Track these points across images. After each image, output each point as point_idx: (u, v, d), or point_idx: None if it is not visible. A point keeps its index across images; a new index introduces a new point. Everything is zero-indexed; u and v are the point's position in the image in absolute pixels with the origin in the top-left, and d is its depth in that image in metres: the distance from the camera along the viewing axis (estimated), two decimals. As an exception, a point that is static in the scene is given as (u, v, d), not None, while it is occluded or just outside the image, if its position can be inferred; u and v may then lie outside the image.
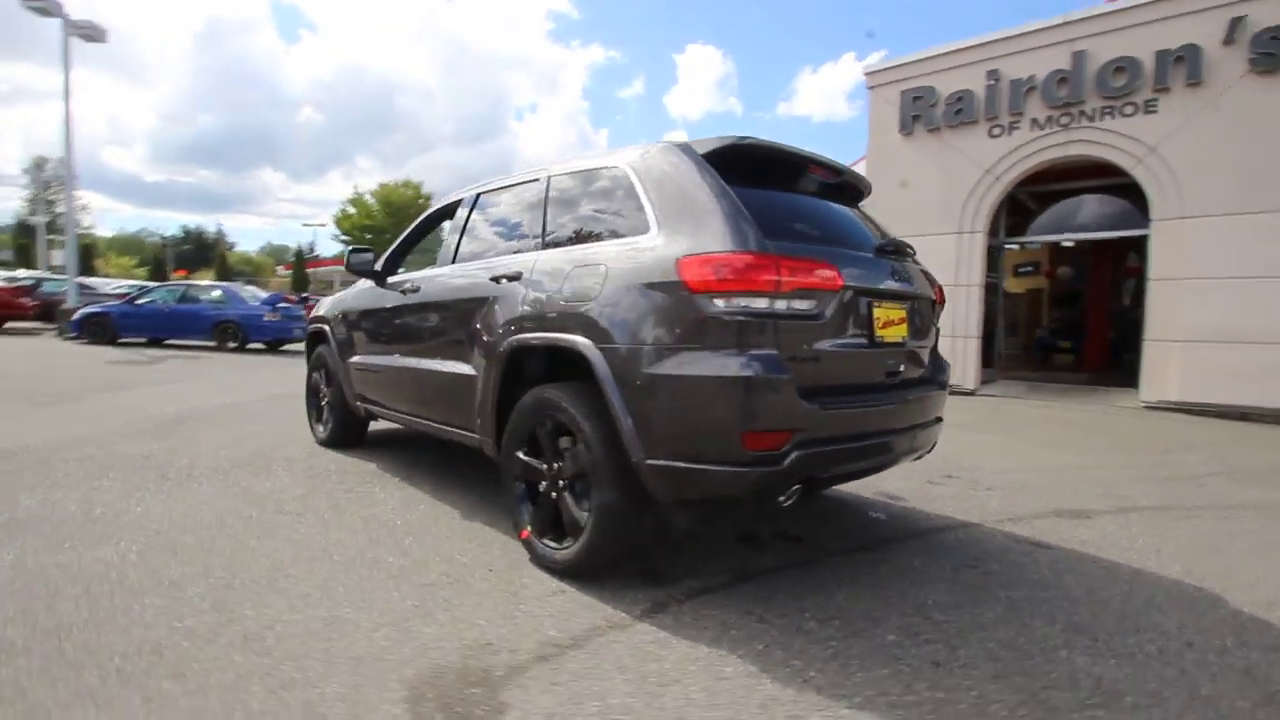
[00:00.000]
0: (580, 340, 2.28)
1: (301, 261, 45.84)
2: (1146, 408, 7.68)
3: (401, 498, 3.42)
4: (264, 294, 14.87)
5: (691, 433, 2.04)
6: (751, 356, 1.98)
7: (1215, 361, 7.09)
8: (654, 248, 2.19)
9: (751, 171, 2.37)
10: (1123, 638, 2.12)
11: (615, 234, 2.42)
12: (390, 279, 3.87)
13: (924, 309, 2.65)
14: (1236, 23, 6.61)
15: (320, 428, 4.62)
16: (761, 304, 1.99)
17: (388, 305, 3.67)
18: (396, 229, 27.85)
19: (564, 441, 2.42)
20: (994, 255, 9.49)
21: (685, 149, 2.36)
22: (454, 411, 3.06)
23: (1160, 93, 7.17)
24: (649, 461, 2.10)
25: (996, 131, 8.33)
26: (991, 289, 9.55)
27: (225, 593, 2.27)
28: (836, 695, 1.75)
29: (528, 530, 2.57)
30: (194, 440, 4.64)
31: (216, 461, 4.03)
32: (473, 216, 3.29)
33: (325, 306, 4.55)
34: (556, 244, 2.65)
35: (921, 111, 8.91)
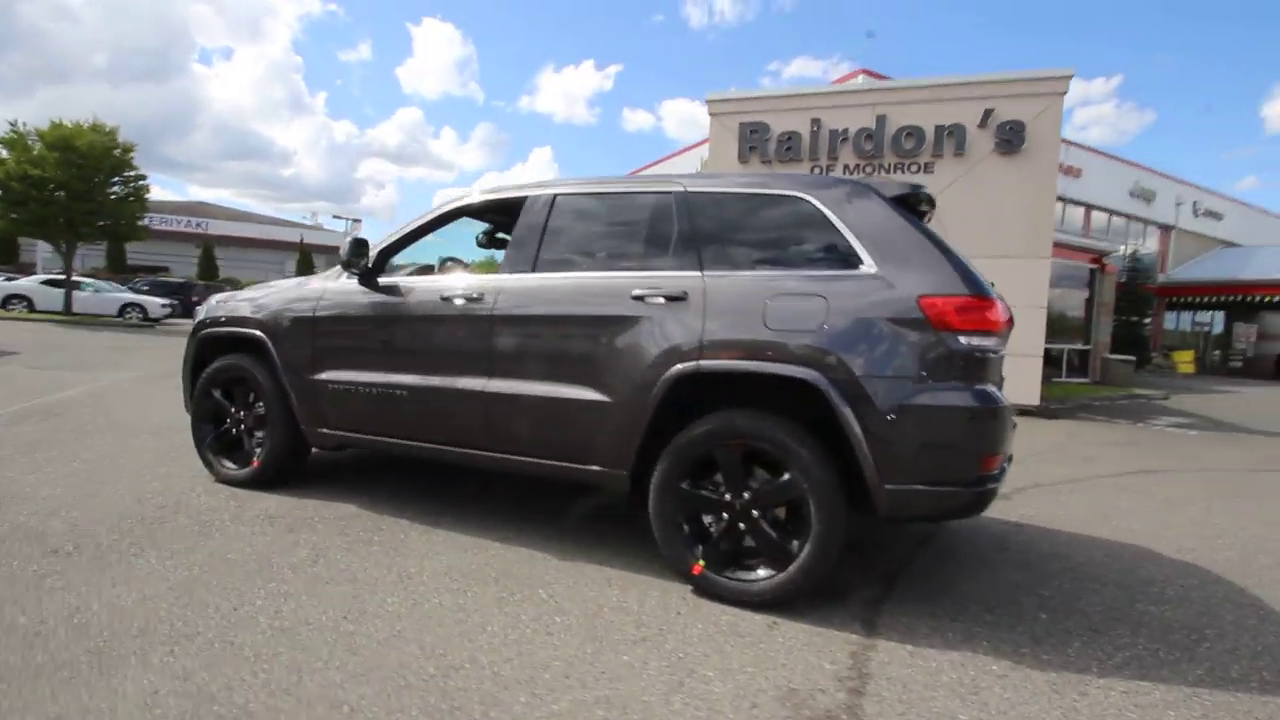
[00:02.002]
0: (805, 370, 2.28)
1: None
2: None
3: (448, 543, 2.91)
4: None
5: (939, 457, 2.22)
6: (988, 388, 2.25)
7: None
8: (881, 283, 2.30)
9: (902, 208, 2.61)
10: (1145, 588, 2.87)
11: (811, 263, 2.46)
12: (386, 280, 3.22)
13: None
14: (988, 112, 8.87)
15: (228, 463, 3.58)
16: (990, 342, 2.27)
17: (414, 313, 3.05)
18: (81, 184, 21.34)
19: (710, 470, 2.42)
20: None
21: (871, 189, 2.50)
22: (562, 442, 2.73)
23: (936, 158, 9.25)
24: (888, 486, 2.22)
25: (817, 171, 9.81)
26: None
27: (416, 697, 1.77)
28: (1069, 667, 2.10)
29: (700, 565, 2.46)
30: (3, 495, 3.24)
31: (104, 522, 2.92)
32: (552, 220, 2.93)
33: (253, 307, 3.53)
34: (725, 266, 2.55)
35: (757, 144, 10.05)
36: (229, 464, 3.59)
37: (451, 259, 3.64)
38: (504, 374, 2.82)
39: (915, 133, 9.22)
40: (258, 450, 3.52)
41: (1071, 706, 1.91)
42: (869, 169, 9.58)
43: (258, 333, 3.43)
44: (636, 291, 2.59)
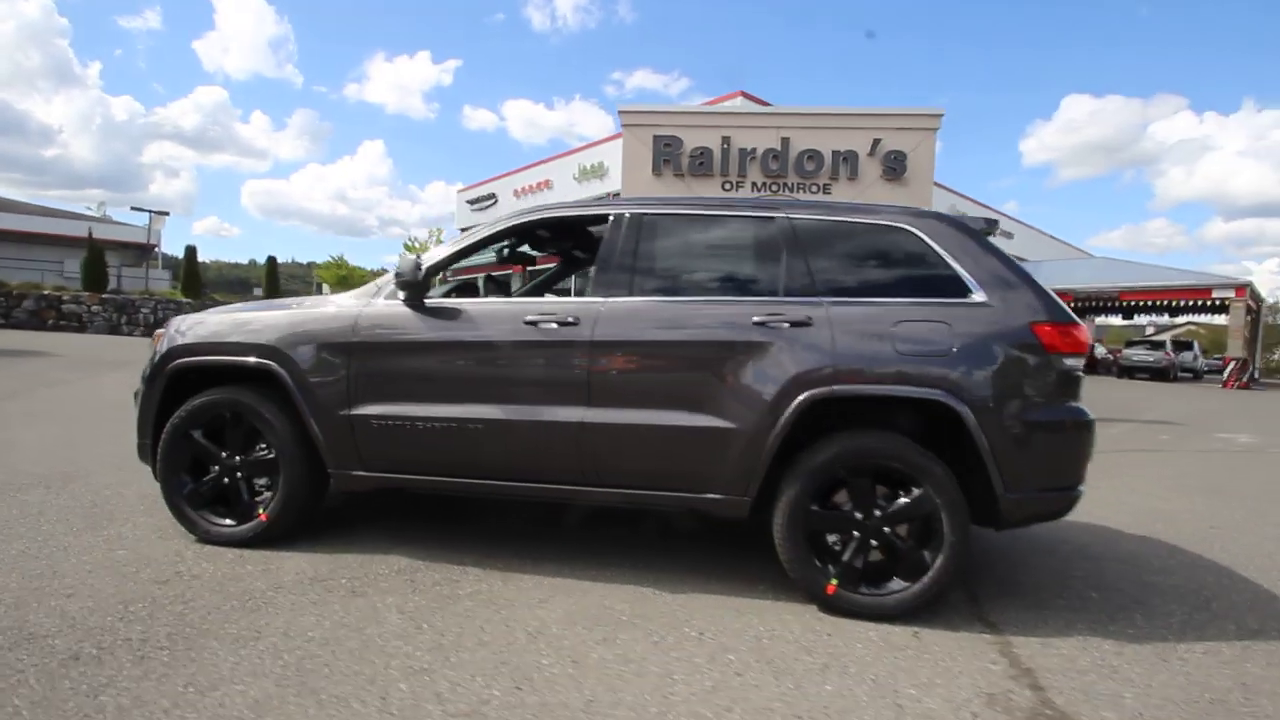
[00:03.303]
0: (938, 393, 2.43)
1: None
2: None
3: (542, 588, 2.70)
4: None
5: (1052, 466, 2.48)
6: (1083, 403, 2.55)
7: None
8: (994, 311, 2.52)
9: None
10: (1136, 561, 3.41)
11: (922, 290, 2.61)
12: (439, 301, 2.91)
13: None
14: (876, 142, 9.93)
15: (222, 519, 3.01)
16: (1081, 362, 2.58)
17: (490, 338, 2.78)
18: None
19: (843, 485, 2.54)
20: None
21: (962, 221, 2.73)
22: (676, 472, 2.64)
23: (833, 180, 10.16)
24: (1010, 496, 2.44)
25: (728, 187, 10.32)
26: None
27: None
28: (1154, 637, 2.47)
29: (834, 584, 2.52)
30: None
31: (106, 611, 2.36)
32: (643, 241, 2.83)
33: (255, 333, 2.98)
34: (838, 292, 2.63)
35: (670, 157, 10.32)
36: (222, 520, 3.00)
37: (491, 278, 3.35)
38: (606, 403, 2.67)
39: (815, 156, 10.07)
40: (263, 501, 2.98)
41: (1184, 671, 2.24)
42: (775, 187, 10.27)
43: (268, 362, 2.90)
44: (758, 317, 2.59)
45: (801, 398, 2.50)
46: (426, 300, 2.90)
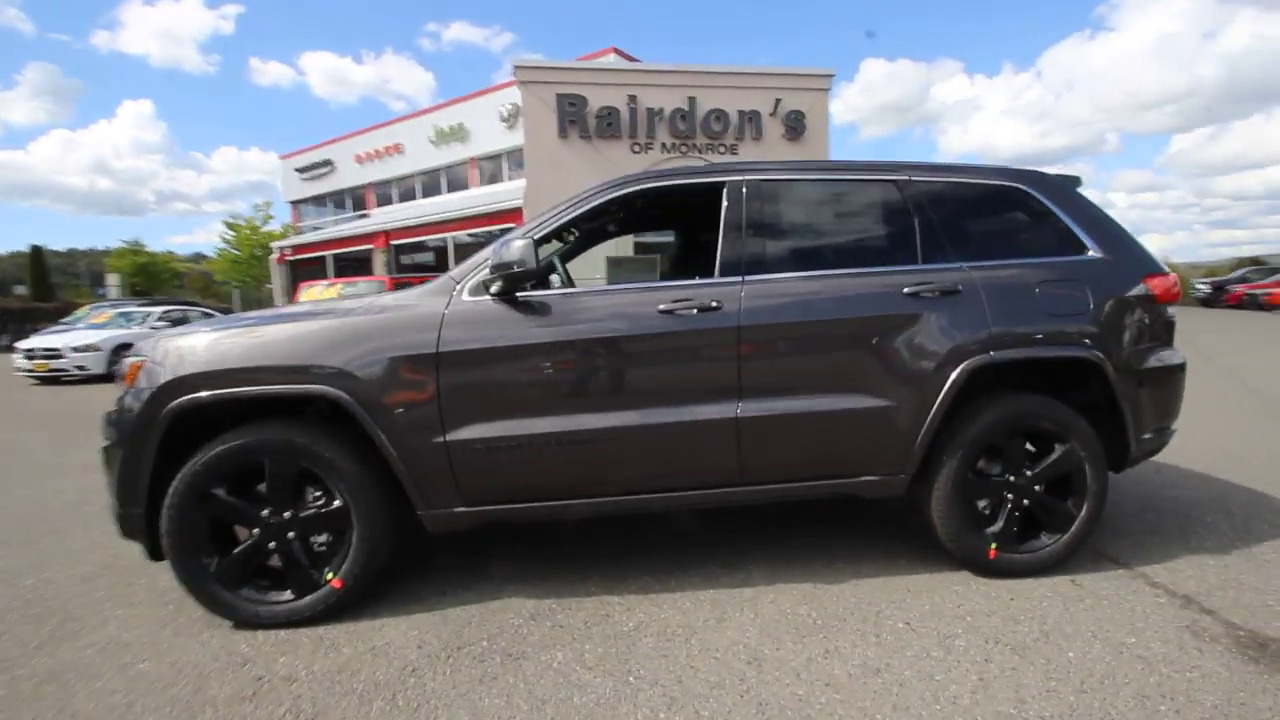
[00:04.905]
0: (1085, 350, 2.51)
1: None
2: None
3: (701, 604, 2.49)
4: None
5: (1165, 407, 2.69)
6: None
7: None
8: (1111, 266, 2.62)
9: None
10: (1145, 480, 3.88)
11: (1047, 250, 2.65)
12: (534, 295, 2.46)
13: None
14: (778, 102, 10.11)
15: (278, 594, 2.39)
16: (1175, 311, 2.79)
17: (618, 334, 2.39)
18: None
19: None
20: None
21: (1066, 179, 2.81)
22: (836, 459, 2.50)
23: (739, 140, 10.22)
24: (1143, 436, 2.62)
25: (637, 149, 10.00)
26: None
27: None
28: (1237, 546, 2.82)
29: (994, 548, 2.56)
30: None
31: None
32: (768, 212, 2.58)
33: (299, 350, 2.31)
34: (973, 255, 2.59)
35: (576, 118, 9.74)
36: (277, 595, 2.36)
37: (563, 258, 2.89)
38: (760, 394, 2.43)
39: (722, 116, 10.06)
40: (330, 565, 2.37)
41: (1283, 574, 2.56)
42: (684, 149, 10.15)
43: (326, 387, 2.27)
44: (908, 289, 2.49)
45: (961, 368, 2.45)
46: (519, 294, 2.43)
